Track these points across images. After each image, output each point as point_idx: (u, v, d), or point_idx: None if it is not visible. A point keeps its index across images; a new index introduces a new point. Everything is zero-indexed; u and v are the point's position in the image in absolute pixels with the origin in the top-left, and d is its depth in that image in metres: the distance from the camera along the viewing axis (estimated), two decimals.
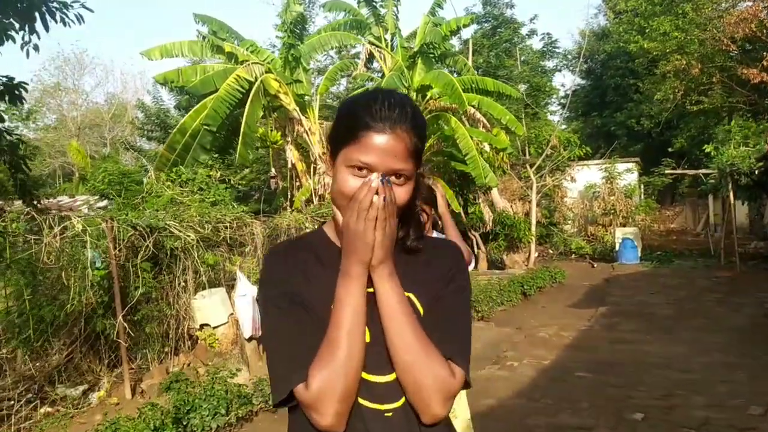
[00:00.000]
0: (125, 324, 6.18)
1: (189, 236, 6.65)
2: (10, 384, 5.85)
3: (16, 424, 5.23)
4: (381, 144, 1.24)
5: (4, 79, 7.84)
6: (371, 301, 1.26)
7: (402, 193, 1.28)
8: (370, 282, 1.27)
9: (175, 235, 6.58)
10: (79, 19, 8.02)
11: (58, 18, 7.87)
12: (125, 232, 6.13)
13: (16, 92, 7.97)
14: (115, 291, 6.04)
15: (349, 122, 1.28)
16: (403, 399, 1.27)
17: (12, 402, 5.81)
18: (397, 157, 1.25)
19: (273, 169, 14.10)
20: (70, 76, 39.51)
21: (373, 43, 14.80)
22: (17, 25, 7.65)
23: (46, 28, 7.82)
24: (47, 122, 39.29)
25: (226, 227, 7.38)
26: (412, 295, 1.32)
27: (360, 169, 1.25)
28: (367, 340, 1.25)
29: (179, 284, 6.84)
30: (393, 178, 1.25)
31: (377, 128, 1.24)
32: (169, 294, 6.88)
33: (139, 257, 6.33)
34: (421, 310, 1.32)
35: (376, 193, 1.21)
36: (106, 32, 64.28)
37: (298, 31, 13.44)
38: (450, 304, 1.36)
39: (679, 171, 21.24)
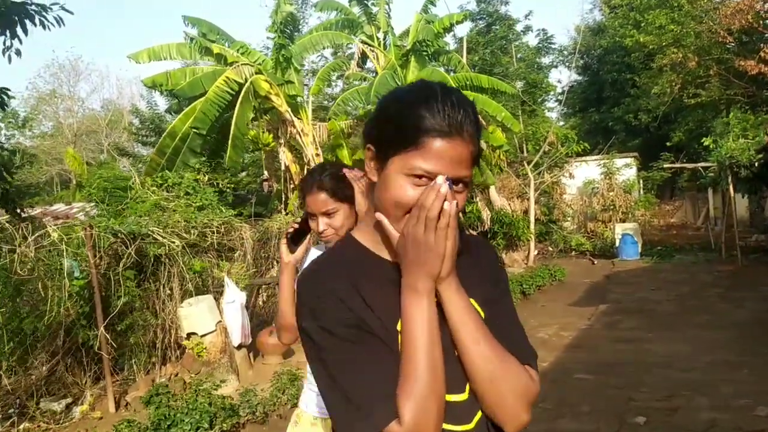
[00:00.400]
0: (107, 335, 5.98)
1: (174, 242, 6.44)
2: None
3: None
4: (447, 150, 1.13)
5: None
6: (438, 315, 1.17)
7: (461, 199, 1.19)
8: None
9: (159, 242, 6.38)
10: (59, 21, 7.85)
11: (37, 21, 7.72)
12: (106, 239, 5.93)
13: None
14: (95, 301, 5.84)
15: (404, 123, 1.14)
16: (478, 415, 1.21)
17: None
18: (463, 163, 1.15)
19: (266, 172, 13.90)
20: (66, 83, 39.45)
21: (365, 42, 14.60)
22: None
23: (25, 32, 7.66)
24: (44, 130, 39.22)
25: (214, 232, 7.19)
26: (473, 301, 1.24)
27: (420, 177, 1.13)
28: None
29: (165, 292, 6.64)
30: (454, 186, 1.15)
31: (443, 132, 1.12)
32: (154, 303, 6.68)
33: (121, 265, 6.12)
34: (482, 315, 1.25)
35: (445, 199, 1.11)
36: (100, 39, 64.15)
37: (288, 31, 13.23)
38: (507, 306, 1.35)
39: (677, 165, 21.01)
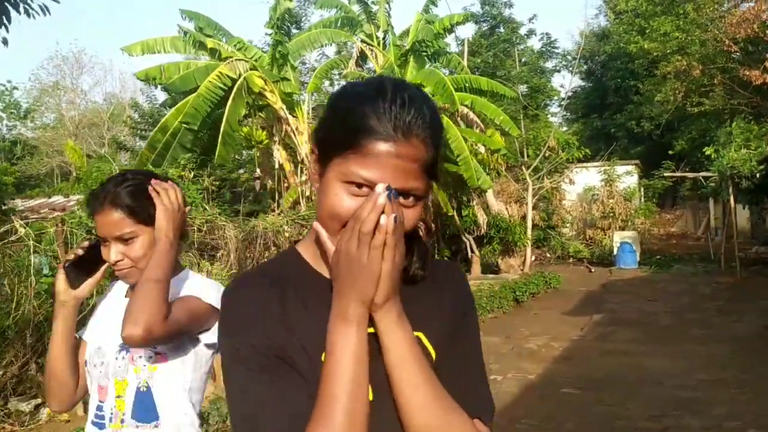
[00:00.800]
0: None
1: None
2: None
3: None
4: (390, 156, 0.97)
5: None
6: (371, 349, 1.00)
7: (411, 215, 1.02)
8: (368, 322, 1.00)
9: None
10: (44, 10, 7.65)
11: (21, 10, 7.52)
12: (79, 235, 5.71)
13: None
14: None
15: (347, 122, 0.99)
16: None
17: None
18: (410, 173, 0.99)
19: (258, 170, 13.70)
20: (69, 75, 39.43)
21: (364, 41, 14.40)
22: None
23: (9, 20, 7.46)
24: (45, 121, 39.21)
25: (195, 230, 6.97)
26: (421, 336, 1.08)
27: (360, 186, 0.98)
28: (369, 398, 0.98)
29: None
30: (401, 199, 0.99)
31: (386, 135, 0.97)
32: None
33: None
34: (434, 355, 1.08)
35: (383, 212, 0.94)
36: (105, 31, 63.98)
37: (286, 27, 13.06)
38: (467, 347, 1.15)
39: (679, 174, 20.81)
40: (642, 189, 22.68)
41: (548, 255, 19.81)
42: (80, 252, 1.84)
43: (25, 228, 5.23)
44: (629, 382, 6.70)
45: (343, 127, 1.00)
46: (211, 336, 1.86)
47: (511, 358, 7.98)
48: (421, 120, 0.99)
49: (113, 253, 1.75)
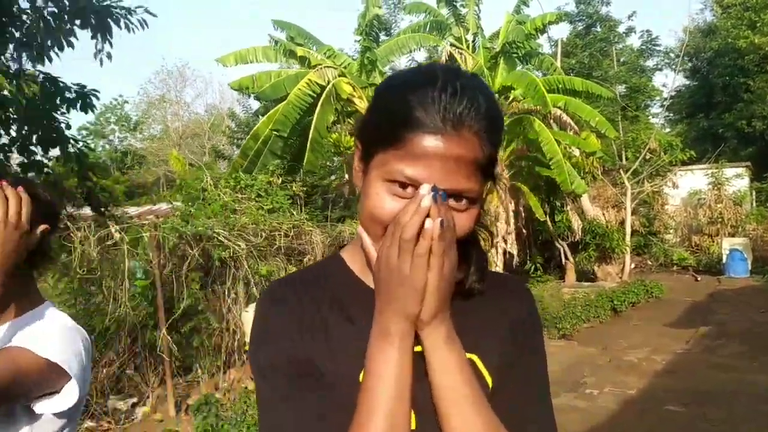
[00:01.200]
0: (169, 337, 5.93)
1: (239, 245, 6.34)
2: None
3: None
4: (438, 152, 0.85)
5: (76, 87, 7.90)
6: (418, 369, 0.89)
7: (464, 221, 0.90)
8: (415, 340, 0.89)
9: (225, 245, 6.29)
10: (143, 24, 8.00)
11: (122, 24, 7.89)
12: (170, 241, 5.89)
13: (88, 100, 8.03)
14: (158, 302, 5.81)
15: (390, 113, 0.89)
16: None
17: None
18: (461, 171, 0.87)
19: (347, 175, 13.81)
20: (173, 89, 41.59)
21: (453, 44, 14.21)
22: (89, 33, 7.67)
23: (111, 35, 7.83)
24: (153, 132, 41.61)
25: (282, 236, 7.05)
26: (475, 358, 0.96)
27: (404, 186, 0.87)
28: (413, 427, 0.89)
29: (230, 296, 6.55)
30: (452, 201, 0.88)
31: (433, 128, 0.85)
32: (221, 306, 6.61)
33: (185, 267, 6.07)
34: (489, 381, 0.96)
35: (428, 215, 0.83)
36: (205, 45, 66.99)
37: (375, 34, 13.08)
38: (529, 374, 1.01)
39: None
40: (754, 193, 21.18)
41: (649, 263, 18.87)
42: None
43: (120, 233, 5.45)
44: (738, 399, 6.16)
45: (385, 120, 0.89)
46: (60, 402, 1.38)
47: (608, 370, 7.55)
48: (475, 111, 0.86)
49: None
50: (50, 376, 1.33)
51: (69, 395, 1.38)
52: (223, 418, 4.82)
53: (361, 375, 0.90)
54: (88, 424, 5.71)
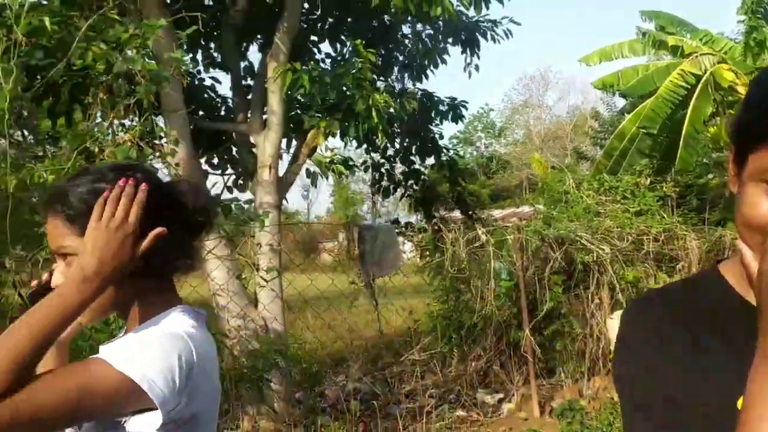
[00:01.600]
0: (532, 338, 6.03)
1: (603, 249, 6.12)
2: (431, 384, 6.29)
3: (428, 423, 5.53)
4: None
5: (448, 100, 8.61)
6: None
7: None
8: None
9: (588, 248, 6.14)
10: (507, 34, 8.30)
11: (488, 36, 8.32)
12: (533, 243, 5.98)
13: (458, 111, 8.68)
14: (521, 304, 5.95)
15: (762, 106, 0.81)
16: None
17: (434, 400, 6.27)
18: None
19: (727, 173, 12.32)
20: (535, 93, 42.62)
21: None
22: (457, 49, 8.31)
23: (478, 47, 8.33)
24: (516, 137, 43.29)
25: (651, 240, 6.60)
26: None
27: None
28: None
29: (593, 301, 6.37)
30: None
31: None
32: (584, 311, 6.47)
33: (547, 270, 6.09)
34: None
35: None
36: (568, 48, 66.88)
37: (762, 10, 11.41)
38: None
39: None
40: None
41: None
42: (45, 278, 1.33)
43: (486, 235, 5.74)
44: None
45: (757, 115, 0.80)
46: (149, 419, 1.15)
47: None
48: None
49: (55, 275, 1.25)
50: (126, 395, 1.11)
51: (156, 416, 1.14)
52: (588, 427, 4.70)
53: (739, 401, 0.78)
54: (460, 413, 6.15)
